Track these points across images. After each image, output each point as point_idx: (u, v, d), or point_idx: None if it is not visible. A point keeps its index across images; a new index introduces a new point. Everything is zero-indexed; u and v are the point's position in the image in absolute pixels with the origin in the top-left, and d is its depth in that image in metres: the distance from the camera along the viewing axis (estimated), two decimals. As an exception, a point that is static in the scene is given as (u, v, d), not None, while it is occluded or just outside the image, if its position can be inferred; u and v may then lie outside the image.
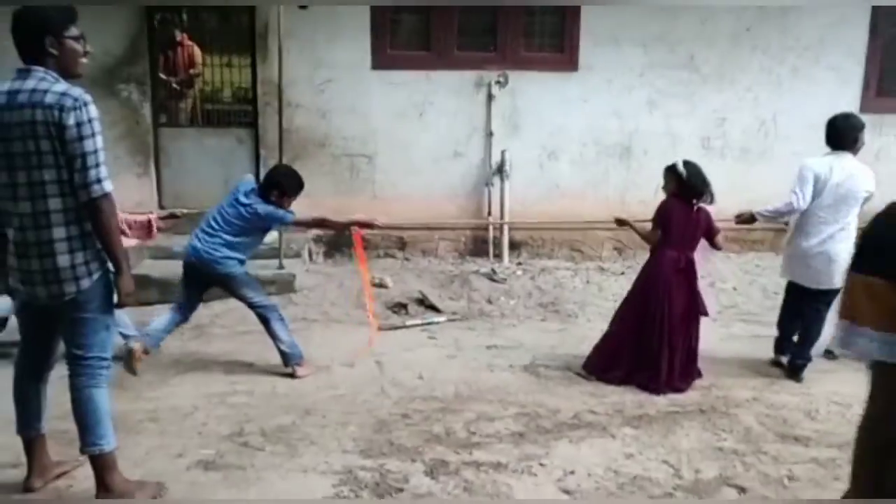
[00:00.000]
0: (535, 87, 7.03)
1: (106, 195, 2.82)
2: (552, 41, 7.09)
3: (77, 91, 2.80)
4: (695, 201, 4.50)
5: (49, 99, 2.74)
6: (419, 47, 7.05)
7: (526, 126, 7.07)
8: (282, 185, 4.60)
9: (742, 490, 3.33)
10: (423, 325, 5.63)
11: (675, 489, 3.32)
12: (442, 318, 5.76)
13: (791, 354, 4.80)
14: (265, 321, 4.60)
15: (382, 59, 6.93)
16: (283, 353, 4.59)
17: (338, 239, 6.92)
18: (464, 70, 6.99)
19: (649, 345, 4.44)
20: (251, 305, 4.63)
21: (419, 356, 4.95)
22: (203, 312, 5.66)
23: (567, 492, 3.28)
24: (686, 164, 4.49)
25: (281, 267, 6.24)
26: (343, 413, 4.03)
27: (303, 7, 6.62)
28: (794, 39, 7.18)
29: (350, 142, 7.04)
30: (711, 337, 5.33)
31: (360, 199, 7.02)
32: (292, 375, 4.56)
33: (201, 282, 4.67)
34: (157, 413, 3.97)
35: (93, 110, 2.80)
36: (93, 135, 2.78)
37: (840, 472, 3.47)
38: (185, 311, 4.70)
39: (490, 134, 7.06)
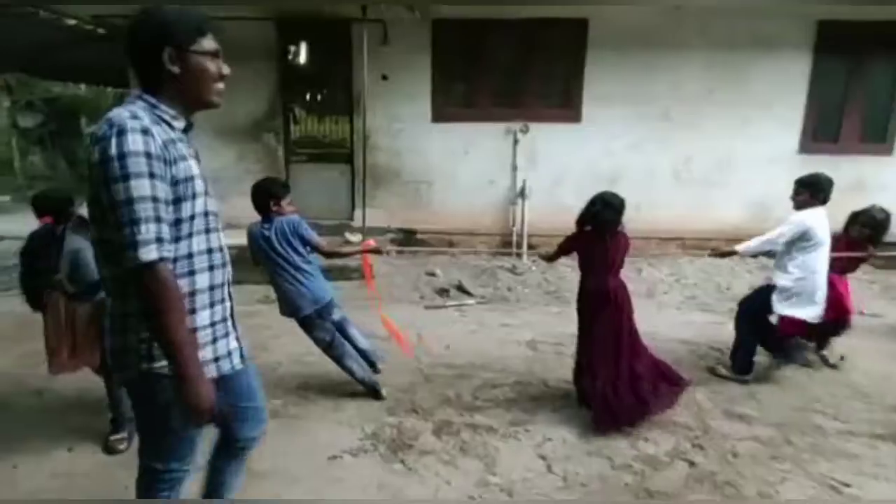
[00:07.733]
0: (548, 134, 6.19)
1: (146, 265, 1.22)
2: (561, 100, 6.21)
3: (116, 114, 1.25)
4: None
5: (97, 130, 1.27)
6: (466, 105, 6.29)
7: (541, 162, 6.25)
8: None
9: (692, 464, 2.52)
10: (457, 305, 4.95)
11: (634, 459, 2.55)
12: (472, 301, 5.05)
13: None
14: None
15: (439, 114, 6.24)
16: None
17: (408, 240, 6.35)
18: (497, 122, 6.20)
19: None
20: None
21: (450, 331, 4.27)
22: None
23: (542, 457, 2.55)
24: (603, 196, 3.01)
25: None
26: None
27: (384, 78, 6.07)
28: (747, 95, 6.05)
29: (415, 172, 6.39)
30: (675, 321, 4.50)
31: (422, 213, 6.40)
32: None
33: None
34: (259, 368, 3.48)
35: (129, 142, 1.21)
36: (123, 178, 1.21)
37: (780, 452, 2.65)
38: None
39: (515, 168, 6.28)
